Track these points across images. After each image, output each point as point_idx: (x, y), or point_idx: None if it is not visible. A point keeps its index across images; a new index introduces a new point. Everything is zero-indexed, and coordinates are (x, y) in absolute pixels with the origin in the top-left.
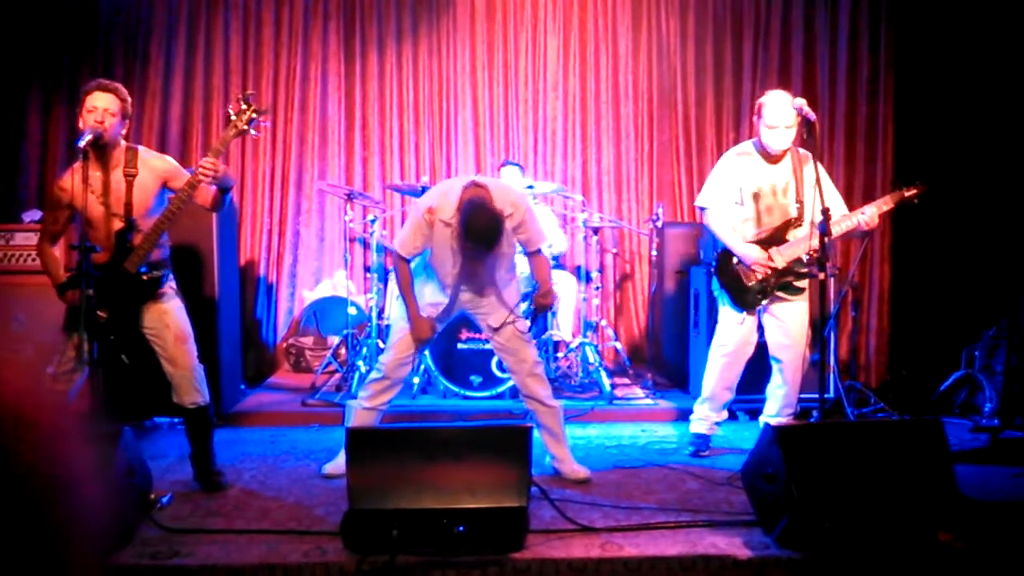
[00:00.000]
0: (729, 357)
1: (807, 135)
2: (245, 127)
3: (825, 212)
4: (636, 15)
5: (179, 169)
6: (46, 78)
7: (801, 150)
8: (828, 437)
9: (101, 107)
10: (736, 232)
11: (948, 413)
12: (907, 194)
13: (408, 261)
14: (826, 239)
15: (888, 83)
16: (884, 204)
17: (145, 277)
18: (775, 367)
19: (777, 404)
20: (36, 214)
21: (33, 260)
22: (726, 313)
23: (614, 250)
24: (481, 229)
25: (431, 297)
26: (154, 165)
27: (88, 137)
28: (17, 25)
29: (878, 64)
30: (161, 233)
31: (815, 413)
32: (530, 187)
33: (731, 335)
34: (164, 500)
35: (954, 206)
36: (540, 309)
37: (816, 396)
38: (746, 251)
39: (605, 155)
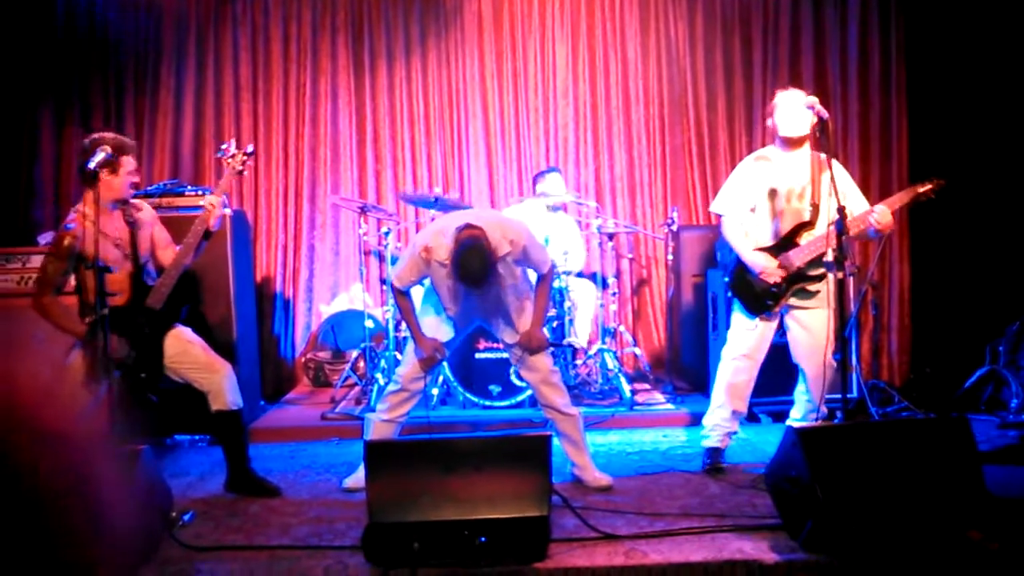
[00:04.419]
0: (740, 362)
1: (820, 133)
2: (240, 168)
3: (841, 210)
4: (644, 20)
5: (156, 216)
6: (58, 98)
7: (822, 155)
8: (852, 438)
9: (135, 169)
10: (749, 238)
11: (974, 410)
12: (921, 190)
13: (405, 292)
14: (843, 238)
15: (900, 78)
16: (897, 202)
17: (167, 310)
18: (799, 373)
19: (801, 409)
20: (51, 236)
21: None
22: (738, 319)
23: (630, 255)
24: (474, 273)
25: (441, 324)
26: (145, 209)
27: (99, 157)
28: (28, 46)
29: (889, 60)
30: (181, 268)
31: (839, 414)
32: (542, 195)
33: (742, 341)
34: (186, 518)
35: (972, 200)
36: (526, 349)
37: (839, 396)
38: (754, 259)
39: (618, 161)
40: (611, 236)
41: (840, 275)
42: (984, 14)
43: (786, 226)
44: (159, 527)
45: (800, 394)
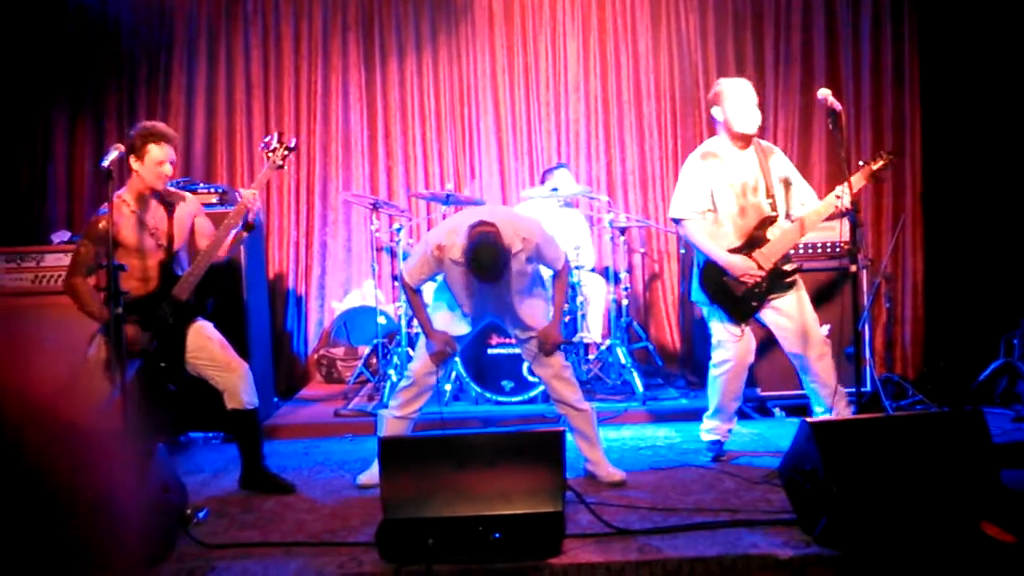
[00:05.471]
0: (730, 373)
1: (833, 126)
2: (280, 163)
3: (855, 204)
4: (655, 13)
5: (201, 207)
6: (70, 98)
7: (764, 142)
8: (866, 432)
9: (169, 160)
10: (714, 240)
11: (989, 403)
12: (875, 167)
13: (417, 289)
14: (857, 230)
15: (914, 72)
16: (857, 183)
17: (193, 301)
18: (798, 365)
19: (819, 399)
20: (65, 235)
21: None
22: (722, 329)
23: (642, 250)
24: (487, 269)
25: (453, 320)
26: (187, 198)
27: (112, 155)
28: (40, 46)
29: (903, 53)
30: (210, 260)
31: (852, 407)
32: (554, 190)
33: (729, 350)
34: (200, 515)
35: (986, 193)
36: (542, 348)
37: (853, 390)
38: (731, 261)
39: (629, 155)
40: (623, 231)
41: (853, 268)
42: (998, 8)
43: (751, 222)
44: (174, 525)
45: (810, 384)
